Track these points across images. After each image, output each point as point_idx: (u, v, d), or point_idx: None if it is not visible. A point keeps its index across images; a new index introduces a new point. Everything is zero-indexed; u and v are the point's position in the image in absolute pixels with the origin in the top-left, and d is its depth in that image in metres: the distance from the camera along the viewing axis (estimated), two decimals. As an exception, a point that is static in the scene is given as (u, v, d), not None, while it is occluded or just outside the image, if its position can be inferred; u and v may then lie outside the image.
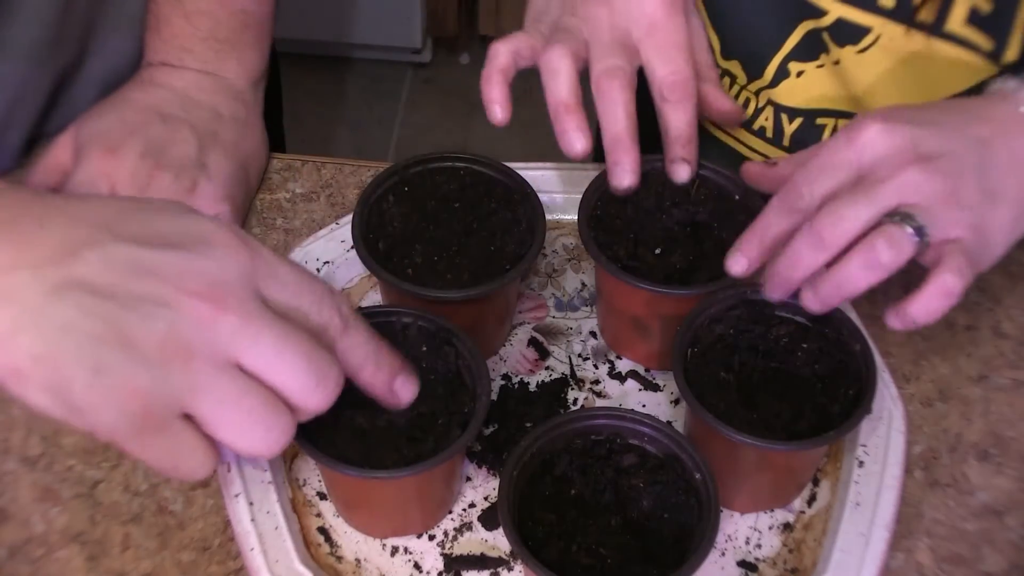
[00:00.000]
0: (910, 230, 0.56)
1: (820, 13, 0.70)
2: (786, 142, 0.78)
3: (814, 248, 0.57)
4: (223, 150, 0.74)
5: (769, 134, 0.78)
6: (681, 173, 0.66)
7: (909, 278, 0.58)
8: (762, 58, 0.74)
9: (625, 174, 0.65)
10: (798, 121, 0.76)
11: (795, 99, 0.75)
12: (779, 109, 0.76)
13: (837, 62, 0.71)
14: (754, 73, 0.76)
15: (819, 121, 0.75)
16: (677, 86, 0.66)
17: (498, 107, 0.67)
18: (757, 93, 0.77)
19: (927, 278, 0.56)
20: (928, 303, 0.56)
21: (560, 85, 0.65)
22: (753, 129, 0.79)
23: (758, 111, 0.78)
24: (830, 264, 0.57)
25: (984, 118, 0.59)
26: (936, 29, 0.67)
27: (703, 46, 0.72)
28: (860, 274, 0.56)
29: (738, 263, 0.61)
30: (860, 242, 0.56)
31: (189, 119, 0.74)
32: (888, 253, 0.55)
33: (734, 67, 0.77)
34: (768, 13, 0.73)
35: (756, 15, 0.74)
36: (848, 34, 0.70)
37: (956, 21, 0.66)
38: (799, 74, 0.74)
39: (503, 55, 0.67)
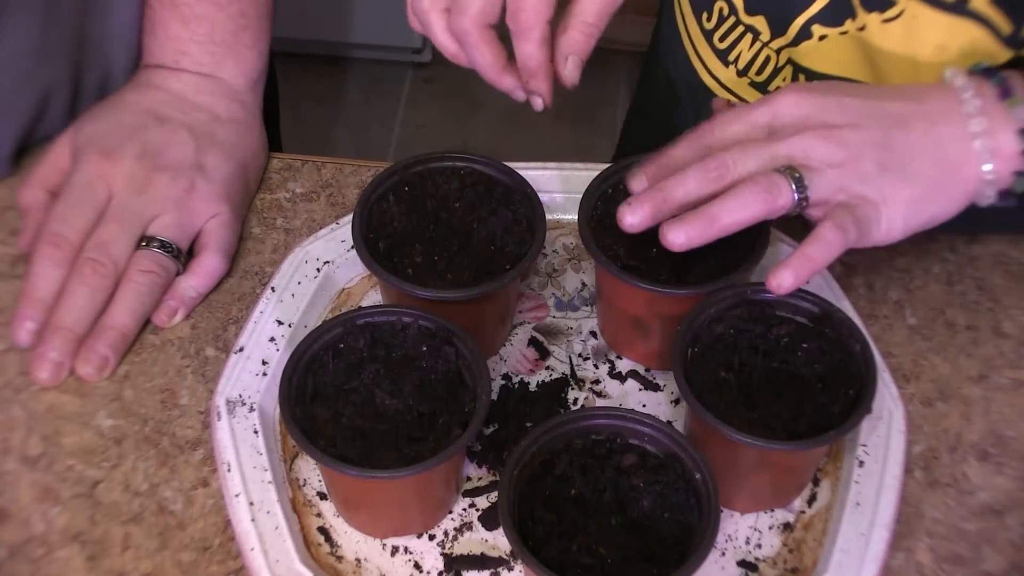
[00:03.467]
0: (790, 180, 0.59)
1: None
2: None
3: (700, 176, 0.60)
4: (221, 151, 0.74)
5: None
6: (535, 104, 0.65)
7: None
8: (788, 16, 0.75)
9: (540, 102, 0.65)
10: None
11: (815, 62, 0.76)
12: (798, 70, 0.77)
13: (863, 27, 0.72)
14: (778, 30, 0.76)
15: None
16: (516, 14, 0.62)
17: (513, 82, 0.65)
18: (778, 52, 0.78)
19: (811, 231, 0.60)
20: (803, 250, 0.59)
21: (483, 54, 0.63)
22: (769, 91, 0.80)
23: (776, 71, 0.79)
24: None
25: (911, 98, 0.63)
26: (960, 7, 0.67)
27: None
28: (732, 208, 0.59)
29: (638, 181, 0.63)
30: (739, 183, 0.60)
31: (186, 121, 0.74)
32: (763, 194, 0.59)
33: (759, 22, 0.78)
34: None
35: None
36: (877, 0, 0.70)
37: None
38: (822, 38, 0.74)
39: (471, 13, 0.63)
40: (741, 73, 0.81)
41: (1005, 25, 0.67)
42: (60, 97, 0.78)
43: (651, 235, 0.67)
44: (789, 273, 0.60)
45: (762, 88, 0.81)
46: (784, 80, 0.79)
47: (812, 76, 0.76)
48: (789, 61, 0.77)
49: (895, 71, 0.72)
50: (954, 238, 0.76)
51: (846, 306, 0.69)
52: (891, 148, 0.61)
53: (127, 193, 0.70)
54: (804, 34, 0.75)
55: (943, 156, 0.61)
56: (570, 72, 0.64)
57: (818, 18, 0.74)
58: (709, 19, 0.81)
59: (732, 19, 0.79)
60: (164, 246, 0.70)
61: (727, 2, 0.79)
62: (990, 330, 0.72)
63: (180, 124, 0.74)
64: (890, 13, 0.70)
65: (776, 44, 0.77)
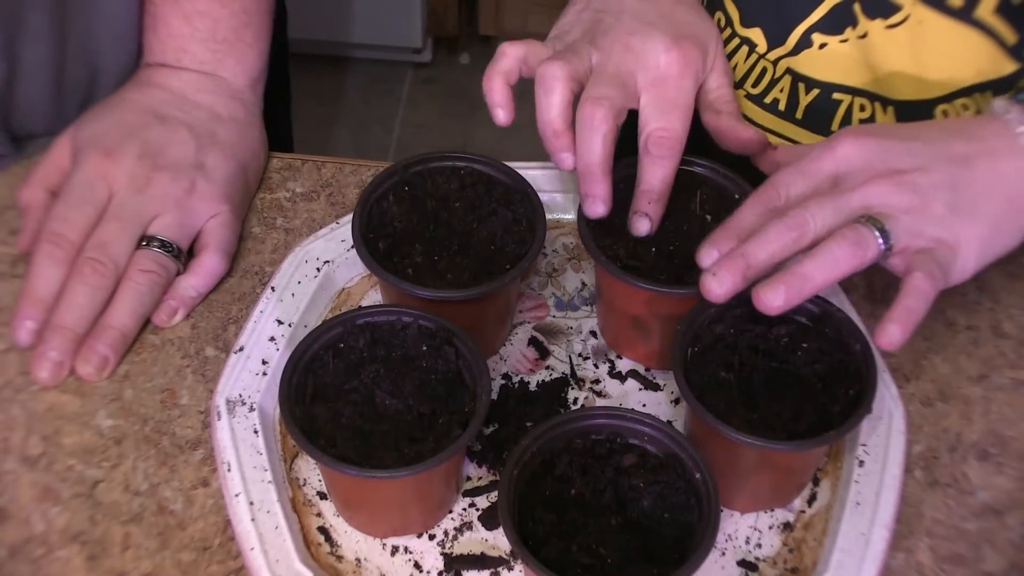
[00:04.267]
0: (875, 231, 0.58)
1: None
2: (799, 114, 0.78)
3: (781, 235, 0.59)
4: (221, 151, 0.74)
5: (782, 107, 0.79)
6: (640, 227, 0.66)
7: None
8: (786, 26, 0.75)
9: (597, 204, 0.65)
10: (815, 92, 0.76)
11: (815, 70, 0.76)
12: (797, 78, 0.77)
13: (865, 35, 0.72)
14: (776, 40, 0.76)
15: (835, 96, 0.76)
16: (664, 143, 0.65)
17: (500, 110, 0.67)
18: (775, 62, 0.78)
19: (901, 284, 0.58)
20: (903, 303, 0.58)
21: (551, 104, 0.65)
22: (765, 103, 0.80)
23: (773, 82, 0.78)
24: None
25: (969, 136, 0.62)
26: (965, 14, 0.67)
27: (723, 81, 0.71)
28: (825, 266, 0.58)
29: (709, 255, 0.62)
30: (826, 239, 0.58)
31: (187, 120, 0.74)
32: (852, 248, 0.58)
33: (755, 34, 0.77)
34: None
35: None
36: (879, 7, 0.70)
37: (986, 8, 0.67)
38: (822, 46, 0.74)
39: (508, 59, 0.67)
40: (737, 86, 0.80)
41: (1010, 35, 0.67)
42: (40, 80, 0.78)
43: (651, 236, 0.67)
44: (897, 328, 0.57)
45: (758, 100, 0.80)
46: (782, 91, 0.78)
47: (812, 84, 0.76)
48: (788, 71, 0.77)
49: (898, 77, 0.72)
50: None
51: (846, 306, 0.69)
52: (959, 189, 0.60)
53: (128, 192, 0.70)
54: (804, 43, 0.75)
55: (1008, 191, 0.61)
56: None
57: (818, 27, 0.74)
58: None
59: (728, 31, 0.79)
60: (164, 246, 0.70)
61: (724, 14, 0.79)
62: (990, 330, 0.72)
63: (181, 123, 0.74)
64: (895, 19, 0.70)
65: (774, 55, 0.77)
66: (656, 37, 0.66)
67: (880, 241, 0.58)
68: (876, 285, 0.73)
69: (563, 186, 0.76)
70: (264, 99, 0.81)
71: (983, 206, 0.60)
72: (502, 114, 0.67)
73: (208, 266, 0.72)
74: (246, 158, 0.76)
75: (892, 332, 0.57)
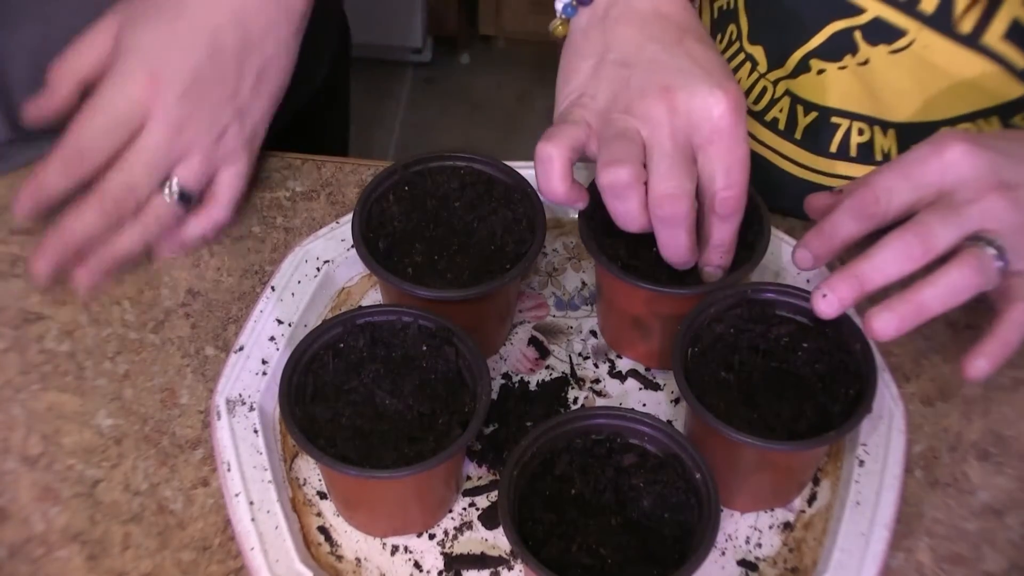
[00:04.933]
0: (994, 253, 0.55)
1: (857, 11, 0.70)
2: (798, 135, 0.78)
3: (900, 257, 0.56)
4: (261, 92, 0.72)
5: (781, 126, 0.79)
6: (715, 275, 0.64)
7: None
8: (785, 50, 0.74)
9: (713, 272, 0.64)
10: (813, 115, 0.76)
11: (813, 94, 0.75)
12: (795, 100, 0.76)
13: (865, 62, 0.71)
14: (776, 62, 0.76)
15: (833, 119, 0.75)
16: (729, 202, 0.62)
17: (580, 202, 0.65)
18: (775, 83, 0.77)
19: (998, 313, 0.56)
20: (1001, 336, 0.55)
21: (630, 211, 0.62)
22: (765, 121, 0.79)
23: (773, 101, 0.78)
24: (902, 284, 0.56)
25: None
26: (972, 41, 0.66)
27: None
28: (945, 296, 0.55)
29: (804, 258, 0.61)
30: (945, 263, 0.55)
31: (239, 52, 0.70)
32: (975, 276, 0.55)
33: (758, 53, 0.77)
34: (801, 7, 0.73)
35: (789, 7, 0.74)
36: (883, 34, 0.70)
37: (994, 35, 0.66)
38: (820, 72, 0.74)
39: (558, 160, 0.62)
40: None
41: (1020, 60, 0.66)
42: (28, 61, 0.76)
43: (651, 234, 0.67)
44: (985, 363, 0.56)
45: (759, 117, 0.80)
46: (781, 111, 0.78)
47: (811, 107, 0.76)
48: (787, 92, 0.77)
49: (900, 101, 0.71)
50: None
51: (846, 306, 0.69)
52: None
53: (163, 132, 0.68)
54: (802, 67, 0.74)
55: None
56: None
57: (816, 53, 0.73)
58: (721, 40, 0.80)
59: (737, 45, 0.79)
60: (182, 196, 0.70)
61: (737, 26, 0.78)
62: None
63: (232, 57, 0.70)
64: (899, 44, 0.69)
65: (773, 75, 0.77)
66: (700, 89, 0.61)
67: (998, 264, 0.55)
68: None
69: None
70: (323, 100, 0.79)
71: None
72: (582, 205, 0.65)
73: (216, 218, 0.72)
74: (279, 94, 0.74)
75: (981, 366, 0.56)
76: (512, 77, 2.25)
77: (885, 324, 0.56)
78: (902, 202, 0.58)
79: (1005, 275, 0.56)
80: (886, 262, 0.56)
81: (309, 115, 0.95)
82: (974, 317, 0.72)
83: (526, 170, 0.70)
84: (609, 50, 0.65)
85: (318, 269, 0.72)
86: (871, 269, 0.57)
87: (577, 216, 0.67)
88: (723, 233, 0.63)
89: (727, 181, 0.61)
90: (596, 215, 0.67)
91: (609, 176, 0.60)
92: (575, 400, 0.68)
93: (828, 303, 0.58)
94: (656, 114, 0.61)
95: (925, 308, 0.55)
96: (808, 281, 0.69)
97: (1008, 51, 0.66)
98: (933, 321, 0.70)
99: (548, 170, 0.62)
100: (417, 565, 0.61)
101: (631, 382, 0.69)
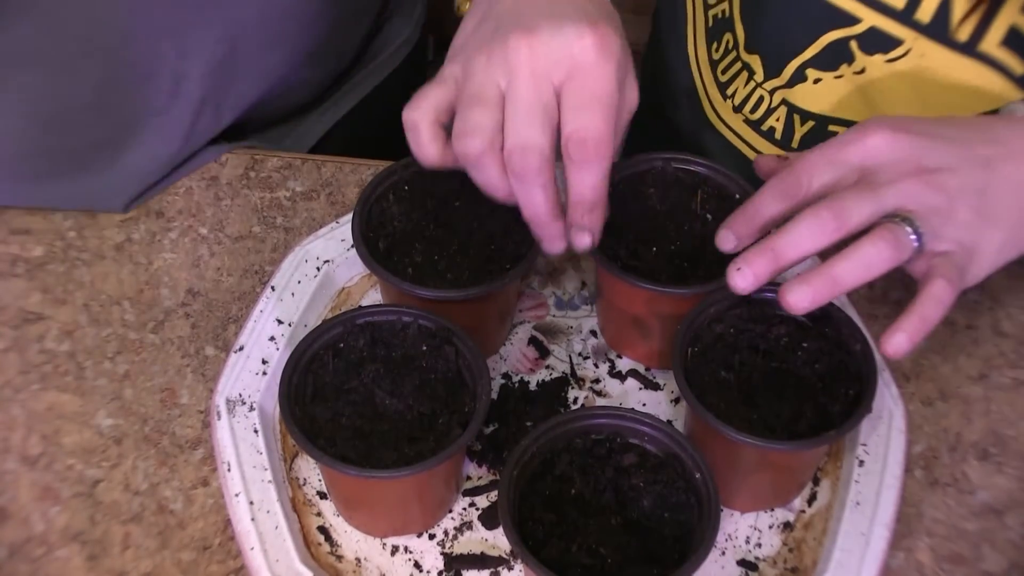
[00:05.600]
0: (910, 231, 0.56)
1: (853, 21, 0.70)
2: (795, 144, 0.78)
3: (815, 231, 0.57)
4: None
5: (778, 135, 0.78)
6: (582, 242, 0.61)
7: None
8: (782, 59, 0.74)
9: (553, 244, 0.61)
10: (810, 124, 0.76)
11: (810, 103, 0.75)
12: (792, 110, 0.76)
13: (862, 71, 0.71)
14: (772, 72, 0.76)
15: (831, 128, 0.75)
16: (583, 144, 0.57)
17: (433, 159, 0.61)
18: (772, 92, 0.77)
19: (918, 289, 0.57)
20: (919, 311, 0.56)
21: (488, 180, 0.59)
22: (762, 130, 0.79)
23: (770, 111, 0.78)
24: (821, 258, 0.57)
25: (993, 140, 0.59)
26: (969, 48, 0.66)
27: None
28: (858, 269, 0.56)
29: (727, 240, 0.60)
30: (859, 238, 0.56)
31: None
32: (889, 250, 0.56)
33: (755, 62, 0.77)
34: (796, 17, 0.73)
35: (784, 16, 0.74)
36: (879, 43, 0.69)
37: (992, 42, 0.66)
38: (816, 81, 0.74)
39: (423, 126, 0.60)
40: (737, 109, 0.80)
41: (1018, 66, 0.66)
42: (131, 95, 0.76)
43: (651, 234, 0.67)
44: (904, 339, 0.56)
45: (756, 126, 0.80)
46: (778, 120, 0.78)
47: (807, 116, 0.76)
48: (783, 101, 0.77)
49: (897, 109, 0.71)
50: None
51: (846, 306, 0.69)
52: (984, 193, 0.58)
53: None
54: (798, 77, 0.74)
55: None
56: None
57: (812, 63, 0.73)
58: (717, 49, 0.80)
59: (734, 54, 0.79)
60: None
61: (733, 35, 0.78)
62: (990, 330, 0.72)
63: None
64: (895, 53, 0.69)
65: (770, 85, 0.77)
66: (565, 26, 0.57)
67: (914, 242, 0.56)
68: (876, 285, 0.73)
69: (563, 185, 0.76)
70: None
71: (1003, 212, 0.58)
72: (435, 159, 0.61)
73: None
74: None
75: (900, 341, 0.56)
76: (512, 76, 2.25)
77: (800, 296, 0.56)
78: (823, 184, 0.58)
79: (925, 255, 0.57)
80: (801, 236, 0.57)
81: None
82: (974, 317, 0.72)
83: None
84: (492, 6, 0.62)
85: (318, 269, 0.72)
86: (786, 243, 0.57)
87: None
88: (580, 185, 0.59)
89: (582, 121, 0.57)
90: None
91: (461, 147, 0.58)
92: (575, 400, 0.68)
93: (743, 276, 0.58)
94: (514, 60, 0.58)
95: (839, 280, 0.56)
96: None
97: (1006, 57, 0.66)
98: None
99: (416, 138, 0.60)
100: (417, 565, 0.61)
101: (631, 382, 0.69)
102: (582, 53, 0.57)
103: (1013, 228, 0.59)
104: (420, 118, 0.60)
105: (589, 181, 0.59)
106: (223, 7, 0.75)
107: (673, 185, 0.68)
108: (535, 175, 0.58)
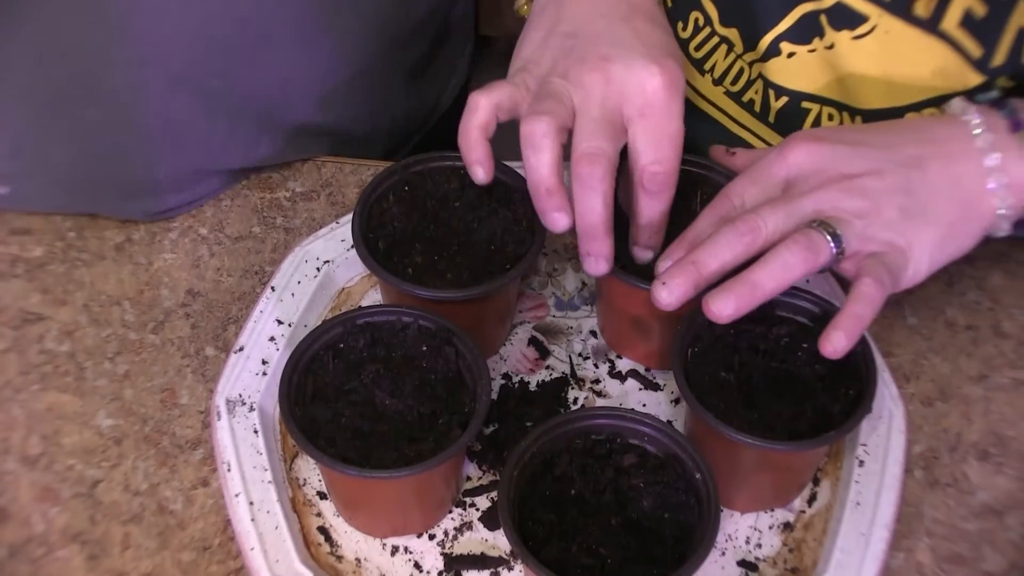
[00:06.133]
0: (827, 236, 0.58)
1: None
2: (771, 118, 0.78)
3: (732, 242, 0.59)
4: None
5: (757, 108, 0.79)
6: (644, 257, 0.65)
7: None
8: (757, 31, 0.75)
9: (599, 264, 0.62)
10: (784, 100, 0.76)
11: (783, 78, 0.76)
12: (767, 84, 0.77)
13: (831, 46, 0.72)
14: (749, 44, 0.76)
15: (804, 104, 0.76)
16: (658, 177, 0.62)
17: (480, 168, 0.64)
18: (751, 64, 0.78)
19: (851, 289, 0.58)
20: (850, 309, 0.58)
21: (542, 164, 0.61)
22: (743, 101, 0.80)
23: (749, 83, 0.78)
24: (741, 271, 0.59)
25: (924, 139, 0.62)
26: (931, 26, 0.67)
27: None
28: (776, 273, 0.58)
29: (663, 265, 0.62)
30: (777, 245, 0.58)
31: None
32: (803, 254, 0.58)
33: (733, 35, 0.77)
34: None
35: None
36: (845, 19, 0.70)
37: (951, 21, 0.66)
38: (790, 55, 0.74)
39: (483, 111, 0.63)
40: (717, 82, 0.80)
41: (975, 49, 0.67)
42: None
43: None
44: (842, 336, 0.57)
45: (737, 98, 0.80)
46: (757, 92, 0.78)
47: (781, 92, 0.76)
48: (760, 75, 0.77)
49: (866, 87, 0.72)
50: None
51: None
52: (912, 192, 0.60)
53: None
54: (773, 51, 0.74)
55: (961, 194, 0.61)
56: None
57: (786, 36, 0.73)
58: (684, 29, 0.80)
59: (708, 30, 0.79)
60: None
61: (703, 13, 0.79)
62: (990, 330, 0.72)
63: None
64: (861, 29, 0.70)
65: (748, 57, 0.77)
66: (636, 62, 0.62)
67: (832, 245, 0.58)
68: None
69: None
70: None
71: (936, 209, 0.60)
72: (482, 172, 0.64)
73: None
74: None
75: (838, 339, 0.57)
76: (512, 77, 2.25)
77: (723, 304, 0.58)
78: (755, 201, 0.62)
79: (853, 257, 0.59)
80: (719, 247, 0.59)
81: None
82: (974, 317, 0.72)
83: (526, 170, 0.70)
84: (559, 22, 0.66)
85: (318, 269, 0.72)
86: (706, 255, 0.59)
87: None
88: (651, 211, 0.63)
89: (656, 156, 0.62)
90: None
91: (529, 125, 0.61)
92: (575, 400, 0.68)
93: (668, 289, 0.59)
94: (590, 81, 0.62)
95: (759, 286, 0.58)
96: (808, 282, 0.69)
97: (964, 39, 0.67)
98: (933, 321, 0.71)
99: (470, 117, 0.63)
100: (417, 565, 0.61)
101: (631, 382, 0.69)
102: (654, 93, 0.62)
103: (949, 225, 0.61)
104: (486, 103, 0.63)
105: (659, 208, 0.63)
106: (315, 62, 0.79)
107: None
108: (599, 181, 0.60)
